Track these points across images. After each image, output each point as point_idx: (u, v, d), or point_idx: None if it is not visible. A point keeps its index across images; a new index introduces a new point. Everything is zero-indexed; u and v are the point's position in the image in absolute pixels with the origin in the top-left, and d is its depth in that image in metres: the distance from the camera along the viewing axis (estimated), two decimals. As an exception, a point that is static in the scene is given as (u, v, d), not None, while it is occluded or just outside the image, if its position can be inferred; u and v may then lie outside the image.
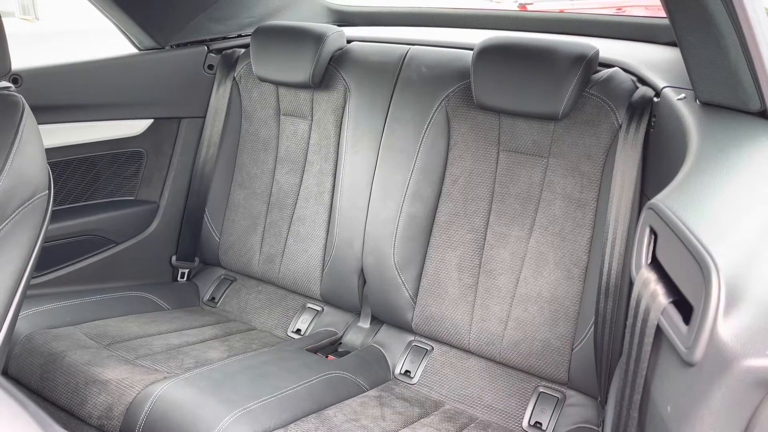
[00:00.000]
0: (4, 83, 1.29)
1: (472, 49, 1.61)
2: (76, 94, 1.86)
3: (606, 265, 1.43)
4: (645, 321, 0.73)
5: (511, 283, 1.62)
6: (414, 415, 1.54)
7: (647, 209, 0.79)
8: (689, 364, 0.65)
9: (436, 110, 1.68)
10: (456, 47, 1.78)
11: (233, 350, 1.72)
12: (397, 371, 1.74)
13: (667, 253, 0.75)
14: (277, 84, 1.95)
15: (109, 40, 2.02)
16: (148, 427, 1.37)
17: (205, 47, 2.07)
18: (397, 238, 1.71)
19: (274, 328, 1.93)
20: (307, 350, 1.74)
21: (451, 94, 1.67)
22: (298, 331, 1.90)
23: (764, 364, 0.59)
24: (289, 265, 1.94)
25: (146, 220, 2.05)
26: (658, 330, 0.72)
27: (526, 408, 1.58)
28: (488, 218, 1.65)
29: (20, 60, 1.74)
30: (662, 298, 0.72)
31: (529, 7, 4.55)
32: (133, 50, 2.01)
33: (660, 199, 0.79)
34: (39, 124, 1.29)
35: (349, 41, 1.96)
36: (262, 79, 1.94)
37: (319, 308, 1.93)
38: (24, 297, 1.21)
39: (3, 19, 1.24)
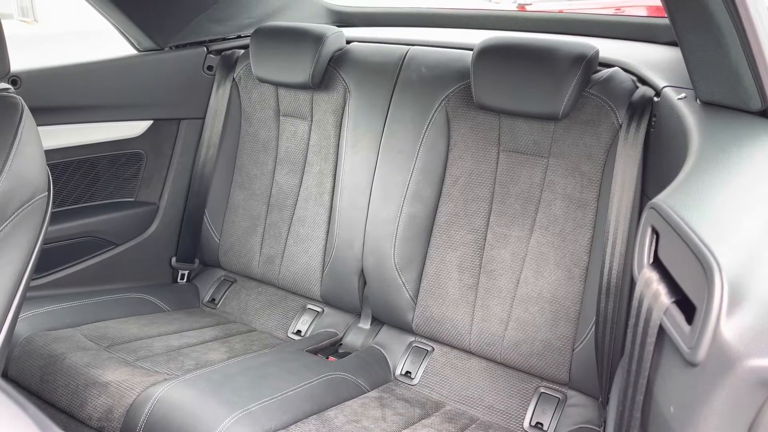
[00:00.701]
0: (3, 85, 1.29)
1: (471, 50, 1.61)
2: (76, 95, 1.86)
3: (607, 265, 1.43)
4: (647, 321, 0.73)
5: (512, 284, 1.61)
6: (415, 416, 1.54)
7: (649, 209, 0.79)
8: (692, 364, 0.65)
9: (435, 111, 1.68)
10: (455, 47, 1.78)
11: (233, 352, 1.71)
12: (397, 372, 1.74)
13: (669, 252, 0.74)
14: (277, 85, 1.95)
15: (108, 42, 2.02)
16: (148, 428, 1.37)
17: (205, 48, 2.07)
18: (398, 238, 1.71)
19: (274, 329, 1.93)
20: (308, 351, 1.73)
21: (450, 95, 1.67)
22: (298, 332, 1.90)
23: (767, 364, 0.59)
24: (289, 266, 1.94)
25: (146, 222, 2.05)
26: (661, 330, 0.72)
27: (527, 408, 1.58)
28: (488, 219, 1.65)
29: (19, 62, 1.74)
30: (665, 298, 0.71)
31: (528, 8, 4.55)
32: (133, 51, 2.01)
33: (662, 199, 0.79)
34: (38, 125, 1.29)
35: (348, 42, 1.96)
36: (262, 80, 1.94)
37: (319, 309, 1.93)
38: (24, 299, 1.20)
39: (2, 21, 1.24)
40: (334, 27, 1.93)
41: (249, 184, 2.03)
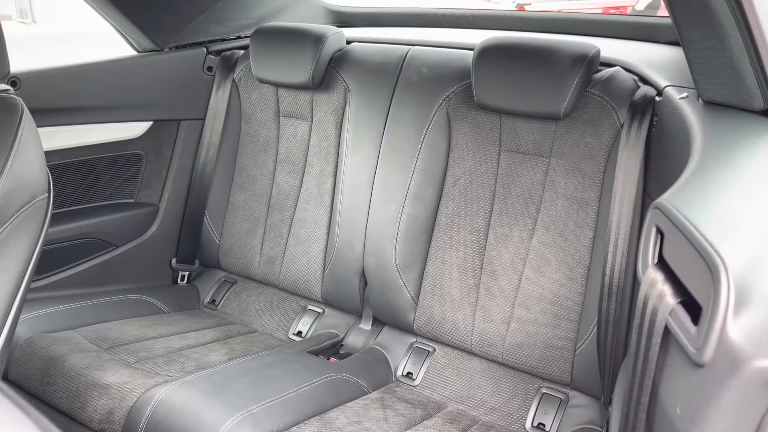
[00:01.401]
0: (3, 86, 1.28)
1: (472, 50, 1.60)
2: (75, 96, 1.85)
3: (609, 265, 1.42)
4: (653, 322, 0.72)
5: (513, 284, 1.61)
6: (416, 417, 1.54)
7: (653, 209, 0.79)
8: (698, 365, 0.64)
9: (436, 111, 1.68)
10: (456, 47, 1.78)
11: (234, 353, 1.71)
12: (399, 373, 1.73)
13: (674, 252, 0.74)
14: (277, 85, 1.94)
15: (107, 43, 2.02)
16: (149, 430, 1.36)
17: (204, 49, 2.06)
18: (398, 239, 1.70)
19: (275, 330, 1.93)
20: (309, 352, 1.73)
21: (451, 95, 1.67)
22: (299, 333, 1.89)
23: (775, 364, 0.59)
24: (289, 267, 1.93)
25: (146, 223, 2.05)
26: (666, 331, 0.72)
27: (529, 409, 1.57)
28: (490, 219, 1.65)
29: (19, 63, 1.74)
30: (670, 299, 0.71)
31: (527, 8, 4.55)
32: (132, 52, 2.00)
33: (666, 199, 0.78)
34: (38, 126, 1.28)
35: (348, 42, 1.96)
36: (262, 81, 1.94)
37: (320, 310, 1.92)
38: (24, 301, 1.20)
39: (1, 22, 1.23)
40: (334, 27, 1.92)
41: (249, 184, 2.02)
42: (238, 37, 2.16)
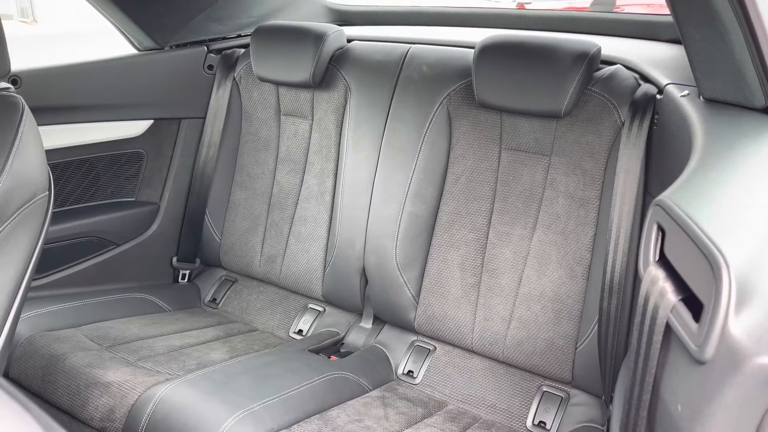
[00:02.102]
0: (4, 84, 1.28)
1: (473, 48, 1.60)
2: (76, 95, 1.85)
3: (609, 263, 1.42)
4: (654, 319, 0.72)
5: (514, 282, 1.61)
6: (417, 415, 1.54)
7: (654, 206, 0.79)
8: (700, 362, 0.64)
9: (437, 109, 1.68)
10: (457, 46, 1.77)
11: (235, 351, 1.71)
12: (399, 371, 1.73)
13: (675, 250, 0.74)
14: (278, 84, 1.94)
15: (108, 42, 2.01)
16: (150, 429, 1.36)
17: (205, 47, 2.06)
18: (399, 237, 1.70)
19: (275, 328, 1.93)
20: (309, 351, 1.73)
21: (452, 93, 1.67)
22: (300, 331, 1.89)
23: (776, 361, 0.59)
24: (290, 265, 1.93)
25: (147, 222, 2.05)
26: (667, 328, 0.72)
27: (529, 407, 1.57)
28: (490, 217, 1.64)
29: (20, 62, 1.74)
30: (671, 296, 0.71)
31: (527, 6, 4.54)
32: (133, 51, 2.00)
33: (667, 196, 0.78)
34: (38, 125, 1.28)
35: (349, 40, 1.96)
36: (263, 79, 1.94)
37: (320, 309, 1.92)
38: (25, 299, 1.20)
39: (2, 21, 1.23)
40: (335, 26, 1.92)
41: (250, 183, 2.02)
42: (239, 36, 2.16)
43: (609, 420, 1.42)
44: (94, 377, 1.49)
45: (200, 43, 2.07)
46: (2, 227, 1.13)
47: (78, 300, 1.83)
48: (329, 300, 1.90)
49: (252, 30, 1.97)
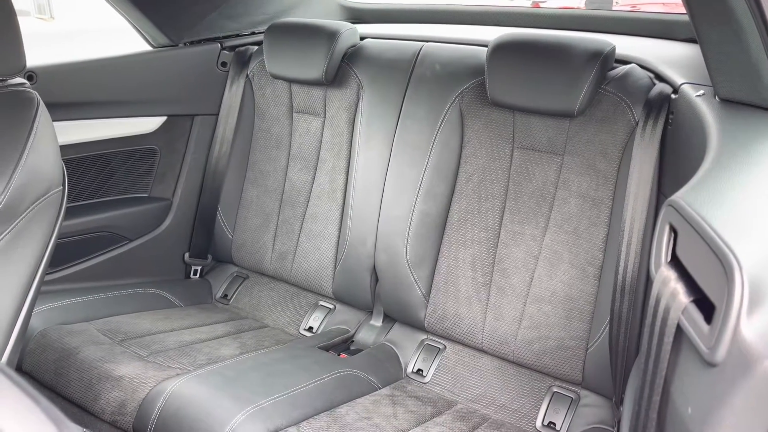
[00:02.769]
0: (19, 80, 1.30)
1: (486, 46, 1.59)
2: (91, 91, 1.87)
3: (622, 264, 1.41)
4: (665, 320, 0.72)
5: (525, 282, 1.60)
6: (426, 414, 1.53)
7: (667, 206, 0.78)
8: (711, 365, 0.64)
9: (449, 107, 1.67)
10: (470, 44, 1.77)
11: (245, 347, 1.72)
12: (409, 370, 1.73)
13: (687, 251, 0.73)
14: (290, 81, 1.95)
15: (124, 39, 2.03)
16: (161, 423, 1.37)
17: (219, 44, 2.07)
18: (410, 236, 1.70)
19: (286, 325, 1.93)
20: (319, 348, 1.73)
21: (464, 91, 1.66)
22: (310, 329, 1.89)
23: (789, 364, 0.58)
24: (301, 262, 1.94)
25: (159, 217, 2.06)
26: (678, 329, 0.71)
27: (539, 408, 1.56)
28: (502, 216, 1.64)
29: (36, 58, 1.76)
30: (683, 297, 0.70)
31: (542, 5, 4.51)
32: (148, 48, 2.02)
33: (680, 196, 0.77)
34: (54, 121, 1.30)
35: (362, 38, 1.96)
36: (275, 77, 1.94)
37: (331, 306, 1.93)
38: (38, 293, 1.21)
39: (19, 18, 1.24)
40: (348, 23, 1.92)
41: (262, 180, 2.03)
42: (252, 33, 2.17)
43: (619, 422, 1.41)
44: (106, 371, 1.50)
45: (214, 40, 2.07)
46: (17, 221, 1.14)
47: (91, 294, 1.84)
48: (340, 297, 1.90)
49: (265, 27, 1.97)
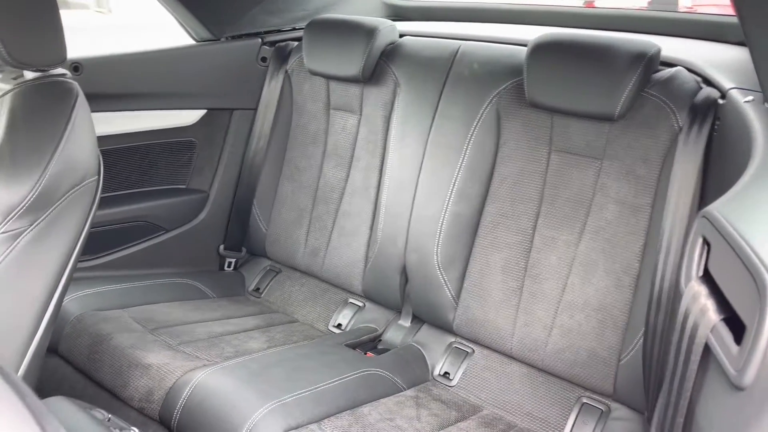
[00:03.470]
0: (61, 70, 1.33)
1: (525, 46, 1.56)
2: (134, 83, 1.91)
3: (659, 275, 1.36)
4: (692, 338, 0.68)
5: (558, 289, 1.56)
6: (450, 418, 1.51)
7: (700, 218, 0.74)
8: (738, 388, 0.60)
9: (486, 107, 1.64)
10: (509, 43, 1.73)
11: (273, 341, 1.73)
12: (436, 372, 1.71)
13: (720, 265, 0.69)
14: (328, 78, 1.95)
15: (174, 32, 2.06)
16: (185, 413, 1.39)
17: (260, 39, 2.09)
18: (441, 236, 1.68)
19: (315, 321, 1.93)
20: (347, 345, 1.73)
21: (502, 92, 1.63)
22: (339, 325, 1.89)
23: (823, 393, 0.54)
24: (332, 259, 1.94)
25: (196, 209, 2.09)
26: (707, 348, 0.67)
27: (567, 418, 1.52)
28: (536, 221, 1.60)
29: (89, 49, 1.81)
30: (712, 315, 0.66)
31: (596, 4, 4.40)
32: (191, 42, 2.05)
33: (715, 208, 0.73)
34: (97, 111, 1.32)
35: (401, 36, 1.94)
36: (314, 73, 1.94)
37: (360, 304, 1.92)
38: (71, 279, 1.24)
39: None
40: (388, 20, 1.91)
41: (297, 176, 2.04)
42: (293, 29, 2.17)
43: (650, 438, 1.36)
44: (136, 358, 1.53)
45: (255, 35, 2.09)
46: (51, 209, 1.16)
47: (127, 282, 1.88)
48: (369, 296, 1.89)
49: (306, 23, 1.97)
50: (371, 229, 1.86)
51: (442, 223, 1.68)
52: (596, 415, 1.50)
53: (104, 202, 1.92)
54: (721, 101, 1.35)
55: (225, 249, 2.15)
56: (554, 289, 1.57)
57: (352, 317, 1.90)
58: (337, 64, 1.86)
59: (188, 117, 2.02)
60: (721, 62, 1.49)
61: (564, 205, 1.57)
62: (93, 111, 1.79)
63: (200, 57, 2.01)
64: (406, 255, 1.76)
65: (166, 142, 2.01)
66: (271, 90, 2.06)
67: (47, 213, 1.16)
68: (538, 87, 1.53)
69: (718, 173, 1.32)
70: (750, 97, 1.21)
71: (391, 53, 1.86)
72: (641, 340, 1.42)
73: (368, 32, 1.81)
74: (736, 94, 1.27)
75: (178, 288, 1.96)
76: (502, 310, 1.63)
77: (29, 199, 1.13)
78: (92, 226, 1.87)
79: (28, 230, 1.14)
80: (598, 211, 1.51)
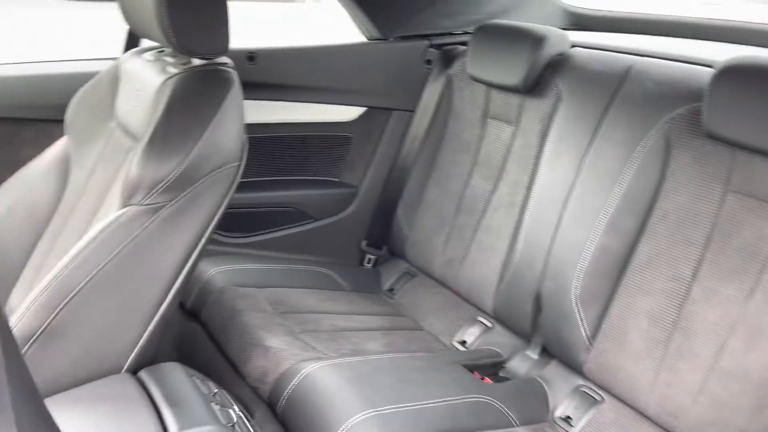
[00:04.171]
0: (224, 59, 1.41)
1: (709, 66, 1.35)
2: (303, 76, 1.99)
3: None
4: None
5: (712, 351, 1.34)
6: (561, 469, 1.37)
7: None
8: None
9: (655, 133, 1.46)
10: (691, 63, 1.52)
11: (392, 346, 1.70)
12: (557, 414, 1.57)
13: None
14: (489, 85, 1.87)
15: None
16: (290, 401, 1.42)
17: (427, 41, 2.07)
18: (583, 269, 1.53)
19: (440, 333, 1.88)
20: (464, 366, 1.65)
21: (676, 117, 1.43)
22: (463, 342, 1.82)
23: None
24: (467, 272, 1.86)
25: (345, 203, 2.14)
26: None
27: (701, 503, 1.30)
28: (698, 268, 1.39)
29: (260, 41, 1.93)
30: None
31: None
32: (361, 39, 2.09)
33: None
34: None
35: (572, 46, 1.80)
36: (475, 79, 1.88)
37: (489, 324, 1.83)
38: (201, 255, 1.32)
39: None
40: (558, 29, 1.78)
41: (444, 182, 1.99)
42: (464, 33, 2.12)
43: None
44: (259, 338, 1.59)
45: (423, 36, 2.08)
46: (191, 188, 1.24)
47: (269, 263, 1.98)
48: (499, 317, 1.79)
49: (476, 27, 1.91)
50: (510, 247, 1.76)
51: (586, 255, 1.53)
52: (738, 508, 1.27)
53: (259, 186, 2.04)
54: None
55: (367, 245, 2.17)
56: (708, 349, 1.35)
57: (478, 336, 1.81)
58: (499, 72, 1.78)
59: (348, 113, 2.07)
60: None
61: (734, 255, 1.34)
62: (261, 99, 1.90)
63: (368, 55, 2.05)
64: (542, 282, 1.63)
65: (323, 135, 2.08)
66: (432, 93, 2.03)
67: (187, 192, 1.24)
68: (721, 116, 1.32)
69: None
70: None
71: (558, 64, 1.73)
72: (810, 433, 1.17)
73: (535, 40, 1.70)
74: None
75: (315, 276, 2.02)
76: (643, 362, 1.44)
77: (172, 177, 1.21)
78: (245, 207, 2.00)
79: (168, 205, 1.22)
80: (777, 269, 1.27)
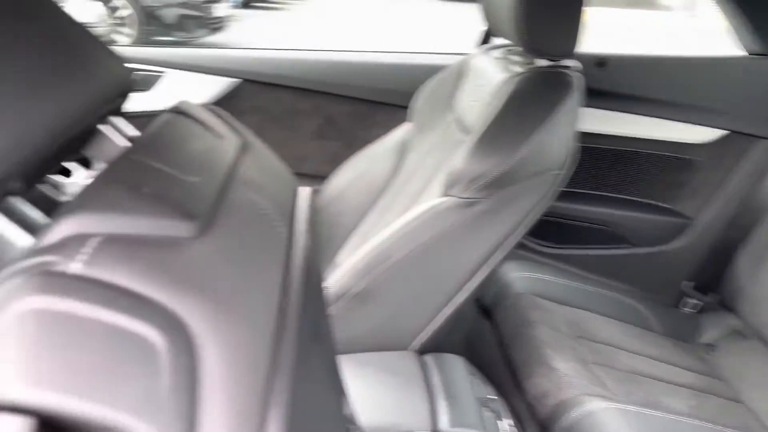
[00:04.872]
0: (569, 62, 1.34)
1: None
2: (658, 88, 1.80)
3: None
4: None
5: None
6: None
7: None
8: None
9: None
10: None
11: (699, 411, 1.45)
12: None
13: None
14: None
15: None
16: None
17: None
18: None
19: (765, 413, 1.54)
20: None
21: None
22: (794, 434, 1.46)
23: None
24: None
25: (672, 234, 1.89)
26: None
27: None
28: None
29: (610, 48, 1.80)
30: None
31: None
32: (740, 53, 1.80)
33: None
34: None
35: None
36: None
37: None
38: (502, 257, 1.29)
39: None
40: None
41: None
42: None
43: None
44: (546, 357, 1.51)
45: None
46: (507, 189, 1.22)
47: (574, 280, 1.86)
48: None
49: None
50: None
51: None
52: None
53: (576, 198, 1.93)
54: None
55: (695, 287, 1.89)
56: None
57: (819, 434, 1.43)
58: None
59: (700, 134, 1.81)
60: None
61: None
62: (606, 109, 1.78)
63: (742, 71, 1.75)
64: None
65: (662, 155, 1.86)
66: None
67: (504, 192, 1.22)
68: None
69: None
70: None
71: None
72: None
73: None
74: None
75: (622, 307, 1.83)
76: None
77: (493, 175, 1.20)
78: (559, 217, 1.91)
79: (484, 202, 1.22)
80: None
